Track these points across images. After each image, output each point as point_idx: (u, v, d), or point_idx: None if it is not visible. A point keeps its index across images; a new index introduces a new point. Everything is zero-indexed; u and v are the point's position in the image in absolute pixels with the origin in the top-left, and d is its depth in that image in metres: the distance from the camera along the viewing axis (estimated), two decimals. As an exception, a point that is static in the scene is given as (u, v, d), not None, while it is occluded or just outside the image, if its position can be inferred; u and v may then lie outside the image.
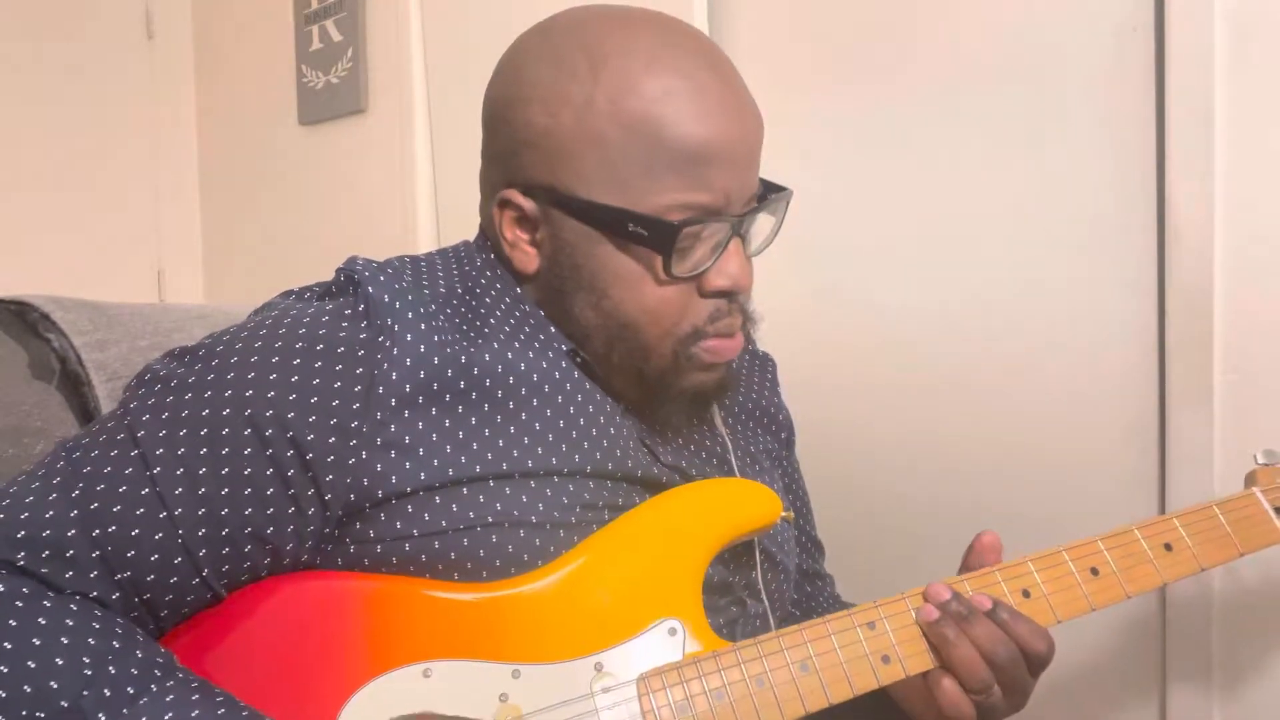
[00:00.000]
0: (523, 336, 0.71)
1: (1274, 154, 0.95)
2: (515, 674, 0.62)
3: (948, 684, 0.64)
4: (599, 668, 0.63)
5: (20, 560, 0.59)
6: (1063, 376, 1.12)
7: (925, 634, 0.65)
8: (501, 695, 0.62)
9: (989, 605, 0.65)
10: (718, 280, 0.70)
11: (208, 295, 2.41)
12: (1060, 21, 1.10)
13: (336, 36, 2.01)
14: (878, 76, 1.25)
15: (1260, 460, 0.78)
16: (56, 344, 0.83)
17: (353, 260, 0.70)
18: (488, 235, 0.76)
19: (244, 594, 0.64)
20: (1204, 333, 0.99)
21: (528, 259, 0.72)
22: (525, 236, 0.72)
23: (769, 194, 0.73)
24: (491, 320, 0.70)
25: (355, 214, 2.03)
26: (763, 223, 0.75)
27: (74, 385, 0.83)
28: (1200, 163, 0.98)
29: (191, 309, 0.97)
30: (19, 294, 0.86)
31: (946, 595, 0.65)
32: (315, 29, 2.06)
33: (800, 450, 0.94)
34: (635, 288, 0.69)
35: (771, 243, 0.76)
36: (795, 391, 0.95)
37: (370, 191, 1.98)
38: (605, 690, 0.63)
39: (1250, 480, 0.78)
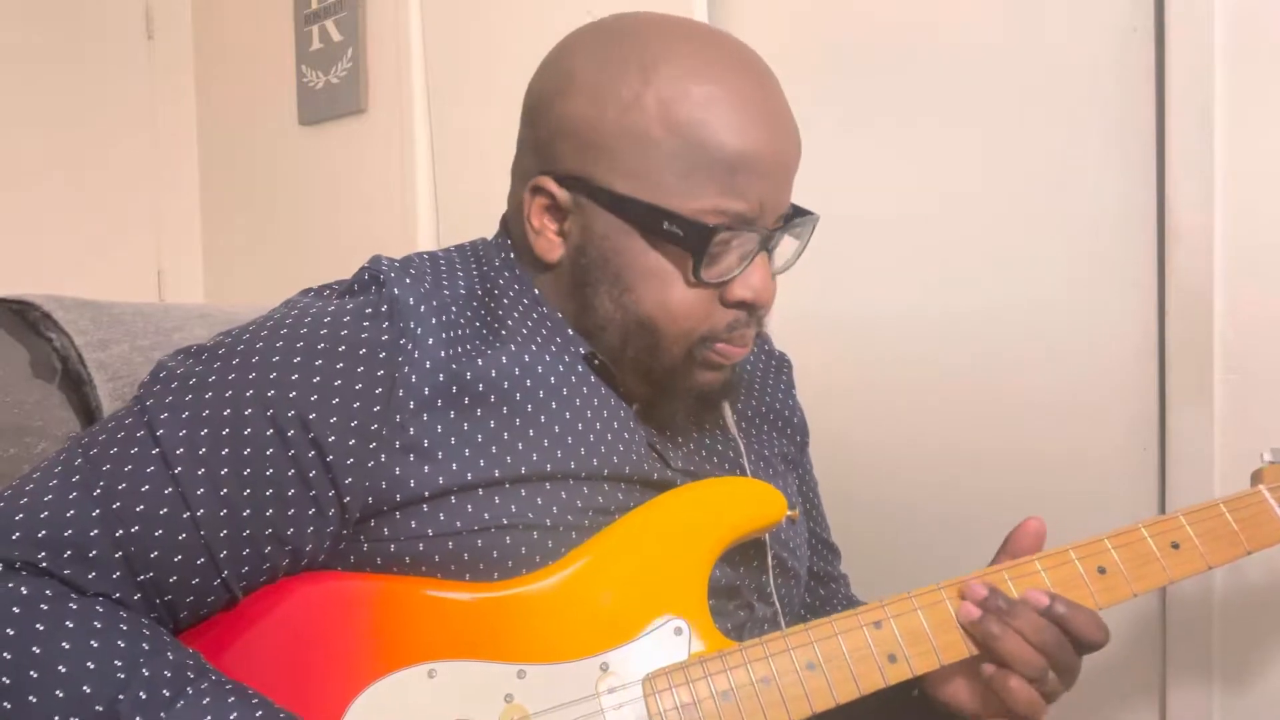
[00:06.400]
0: (540, 339, 0.71)
1: (1274, 154, 0.95)
2: (520, 674, 0.62)
3: (1015, 683, 0.64)
4: (605, 668, 0.63)
5: (42, 561, 0.58)
6: (1063, 376, 1.12)
7: (969, 632, 0.66)
8: (507, 695, 0.62)
9: (1045, 603, 0.65)
10: (741, 291, 0.70)
11: (208, 295, 2.41)
12: (1061, 22, 1.10)
13: (336, 36, 2.01)
14: (877, 78, 1.25)
15: (1267, 458, 0.78)
16: (58, 343, 0.83)
17: (377, 259, 0.70)
18: (511, 225, 0.76)
19: (253, 594, 0.64)
20: (1204, 333, 0.99)
21: (551, 247, 0.72)
22: (552, 225, 0.72)
23: (797, 216, 0.74)
24: (509, 322, 0.71)
25: (355, 214, 2.03)
26: (788, 243, 0.75)
27: (75, 385, 0.83)
28: (1200, 163, 0.98)
29: (192, 309, 0.97)
30: (20, 293, 0.86)
31: (984, 593, 0.66)
32: (315, 29, 2.05)
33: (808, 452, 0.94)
34: (661, 286, 0.69)
35: (793, 264, 0.77)
36: (800, 394, 0.94)
37: (370, 191, 1.97)
38: (611, 690, 0.63)
39: (1257, 478, 0.77)
